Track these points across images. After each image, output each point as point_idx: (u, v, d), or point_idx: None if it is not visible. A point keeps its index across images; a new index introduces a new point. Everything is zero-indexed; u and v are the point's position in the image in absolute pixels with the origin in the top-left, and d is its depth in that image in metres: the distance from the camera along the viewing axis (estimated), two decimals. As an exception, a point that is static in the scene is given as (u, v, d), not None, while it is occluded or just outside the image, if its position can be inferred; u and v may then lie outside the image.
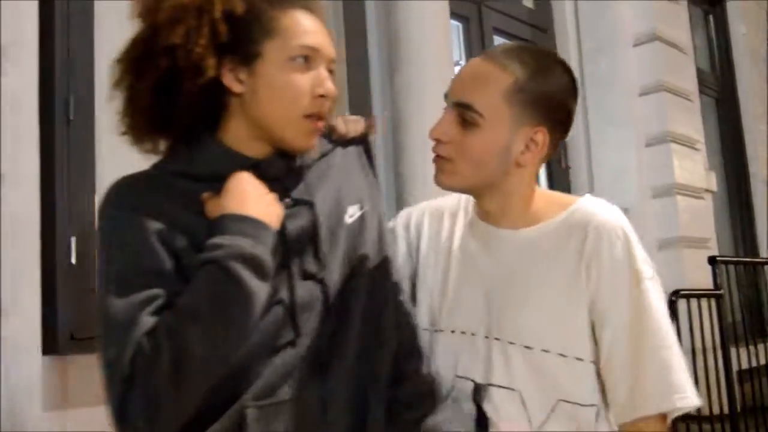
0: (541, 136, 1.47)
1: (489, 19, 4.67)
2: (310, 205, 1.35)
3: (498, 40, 4.80)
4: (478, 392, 1.46)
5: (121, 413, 1.17)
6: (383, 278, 1.45)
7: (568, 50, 5.17)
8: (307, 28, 1.32)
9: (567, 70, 1.53)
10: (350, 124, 1.50)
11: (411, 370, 1.47)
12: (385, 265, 1.46)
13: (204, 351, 1.17)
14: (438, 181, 1.51)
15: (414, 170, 3.62)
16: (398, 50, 3.78)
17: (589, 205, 1.52)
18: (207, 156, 1.34)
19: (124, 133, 1.34)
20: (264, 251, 1.22)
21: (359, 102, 3.67)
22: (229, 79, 1.30)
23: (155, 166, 1.36)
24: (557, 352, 1.44)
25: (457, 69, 4.31)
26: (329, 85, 1.32)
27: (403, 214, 1.68)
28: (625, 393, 1.43)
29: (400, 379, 1.44)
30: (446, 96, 1.50)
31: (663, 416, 1.44)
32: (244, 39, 1.29)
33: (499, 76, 1.45)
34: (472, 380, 1.47)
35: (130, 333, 1.16)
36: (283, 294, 1.29)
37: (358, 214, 1.41)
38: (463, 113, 1.45)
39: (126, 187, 1.31)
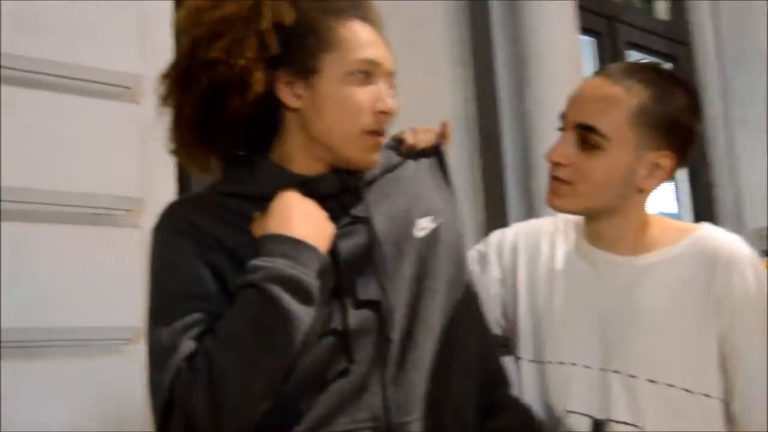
0: (668, 161, 1.43)
1: (622, 34, 4.50)
2: (366, 222, 1.27)
3: (634, 56, 4.62)
4: (598, 428, 1.42)
5: None
6: (462, 299, 1.36)
7: (707, 62, 4.92)
8: (366, 41, 1.26)
9: (690, 89, 1.49)
10: (420, 135, 1.43)
11: (504, 399, 1.41)
12: (463, 284, 1.38)
13: (241, 377, 1.12)
14: (553, 204, 1.47)
15: (544, 182, 3.54)
16: (527, 69, 3.69)
17: (713, 234, 1.48)
18: (257, 174, 1.29)
19: (173, 151, 1.31)
20: (305, 273, 1.15)
21: (488, 121, 3.62)
22: (285, 94, 1.25)
23: (209, 188, 1.33)
24: (683, 387, 1.39)
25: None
26: (390, 101, 1.26)
27: (495, 236, 1.62)
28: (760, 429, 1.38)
29: (492, 410, 1.37)
30: (563, 116, 1.46)
31: None
32: (299, 51, 1.23)
33: (624, 98, 1.40)
34: (589, 416, 1.42)
35: (171, 358, 1.14)
36: (336, 320, 1.22)
37: (431, 227, 1.33)
38: (586, 135, 1.41)
39: (176, 210, 1.30)
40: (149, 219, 2.26)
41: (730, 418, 1.41)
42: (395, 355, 1.26)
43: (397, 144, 1.41)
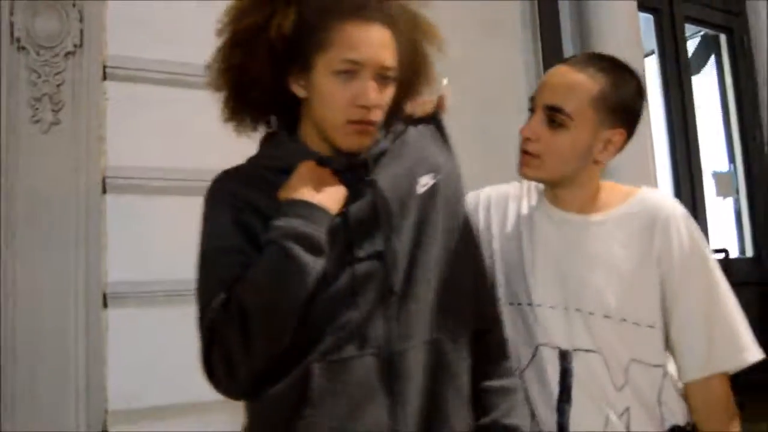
0: (619, 137, 1.57)
1: (680, 9, 4.46)
2: (372, 184, 1.39)
3: (690, 29, 4.61)
4: (565, 357, 1.56)
5: (207, 369, 1.31)
6: (458, 245, 1.47)
7: (764, 31, 4.80)
8: (354, 41, 1.33)
9: (635, 76, 1.60)
10: (417, 106, 1.53)
11: (491, 338, 1.53)
12: (459, 232, 1.49)
13: (264, 316, 1.26)
14: (523, 173, 1.59)
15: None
16: (590, 44, 3.71)
17: (652, 196, 1.60)
18: (283, 151, 1.43)
19: (226, 121, 1.46)
20: (316, 229, 1.29)
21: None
22: (294, 85, 1.38)
23: (248, 160, 1.47)
24: (633, 321, 1.53)
25: (646, 60, 4.20)
26: (371, 96, 1.34)
27: (469, 197, 1.69)
28: (699, 355, 1.53)
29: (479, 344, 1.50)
30: (532, 99, 1.59)
31: (725, 375, 1.55)
32: (302, 51, 1.35)
33: (587, 84, 1.54)
34: (557, 347, 1.57)
35: (210, 303, 1.29)
36: (346, 269, 1.34)
37: (430, 183, 1.44)
38: (553, 115, 1.54)
39: (220, 180, 1.43)
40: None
41: (668, 343, 1.56)
42: (398, 295, 1.38)
43: (400, 114, 1.53)
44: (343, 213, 1.36)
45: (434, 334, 1.41)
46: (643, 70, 3.74)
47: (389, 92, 1.39)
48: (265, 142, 1.49)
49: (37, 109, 2.36)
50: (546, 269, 1.61)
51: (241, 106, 1.44)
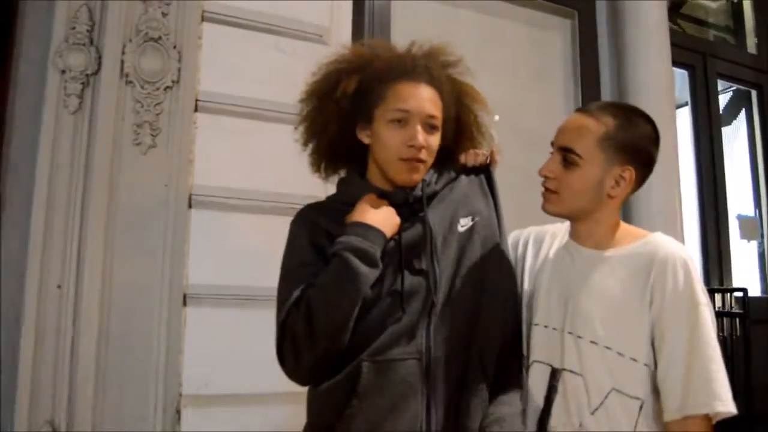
0: (629, 174, 1.59)
1: (713, 66, 4.49)
2: (423, 220, 1.56)
3: (723, 84, 4.62)
4: (554, 375, 1.59)
5: (280, 358, 1.47)
6: (493, 275, 1.59)
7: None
8: (404, 96, 1.54)
9: (649, 121, 1.62)
10: (470, 157, 1.71)
11: (510, 368, 1.60)
12: (497, 258, 1.62)
13: (327, 312, 1.42)
14: (545, 209, 1.65)
15: (638, 199, 3.61)
16: (627, 93, 3.76)
17: (659, 239, 1.61)
18: (352, 188, 1.62)
19: (313, 173, 1.71)
20: (371, 246, 1.47)
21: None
22: (361, 134, 1.59)
23: (327, 197, 1.68)
24: (617, 350, 1.53)
25: (677, 112, 4.24)
26: (419, 138, 1.53)
27: (514, 234, 1.82)
28: (677, 396, 1.48)
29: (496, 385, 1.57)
30: (552, 143, 1.64)
31: (707, 419, 1.48)
32: (364, 107, 1.56)
33: (594, 126, 1.58)
34: (550, 365, 1.60)
35: (286, 303, 1.46)
36: (398, 285, 1.50)
37: (469, 224, 1.60)
38: (566, 155, 1.59)
39: (304, 211, 1.64)
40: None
41: (651, 378, 1.53)
42: (438, 310, 1.51)
43: (455, 163, 1.70)
44: (397, 237, 1.53)
45: (466, 349, 1.52)
46: (675, 120, 3.80)
47: (435, 137, 1.57)
48: (340, 183, 1.69)
49: (138, 133, 2.50)
50: (552, 294, 1.65)
51: (322, 157, 1.65)
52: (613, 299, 1.56)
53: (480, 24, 3.65)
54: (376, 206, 1.54)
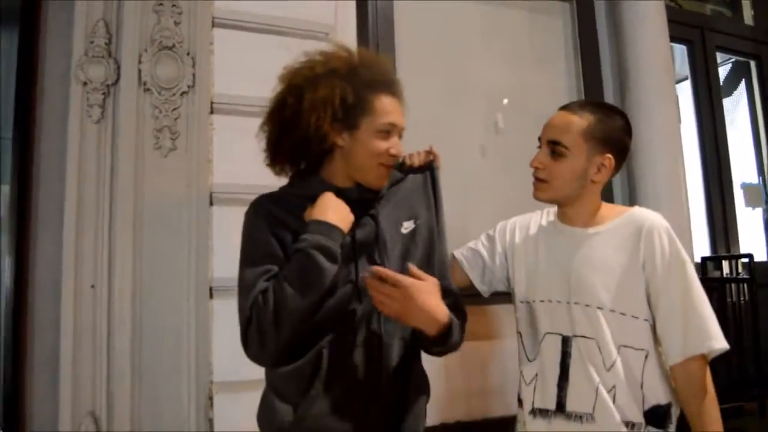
0: (608, 161, 1.74)
1: (712, 39, 4.43)
2: (374, 219, 1.63)
3: (721, 57, 4.57)
4: (566, 342, 1.70)
5: (245, 343, 1.52)
6: (430, 269, 1.66)
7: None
8: (390, 110, 1.61)
9: (623, 116, 1.79)
10: (414, 157, 1.79)
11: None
12: (431, 260, 1.70)
13: (293, 303, 1.47)
14: (536, 197, 1.78)
15: (643, 172, 3.60)
16: (627, 74, 3.73)
17: (641, 212, 1.75)
18: (311, 183, 1.65)
19: (267, 165, 1.69)
20: (333, 244, 1.52)
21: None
22: (336, 138, 1.61)
23: (281, 189, 1.70)
24: (620, 312, 1.67)
25: (678, 86, 4.20)
26: (399, 148, 1.62)
27: (500, 225, 1.95)
28: (677, 342, 1.65)
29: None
30: (539, 138, 1.77)
31: (704, 358, 1.65)
32: (349, 114, 1.58)
33: (577, 121, 1.73)
34: (560, 334, 1.72)
35: (252, 290, 1.51)
36: (352, 276, 1.57)
37: (411, 227, 1.69)
38: (554, 148, 1.73)
39: (260, 202, 1.66)
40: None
41: (656, 336, 1.68)
42: None
43: (401, 165, 1.77)
44: (352, 235, 1.60)
45: (406, 334, 1.63)
46: (675, 95, 3.77)
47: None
48: (296, 177, 1.71)
49: (158, 138, 2.53)
50: (552, 271, 1.77)
51: (290, 155, 1.67)
52: (610, 267, 1.69)
53: (482, 15, 3.63)
54: (334, 204, 1.59)
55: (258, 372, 2.48)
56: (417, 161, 1.80)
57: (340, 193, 1.62)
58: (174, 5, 2.61)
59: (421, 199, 1.77)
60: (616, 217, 1.77)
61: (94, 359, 2.38)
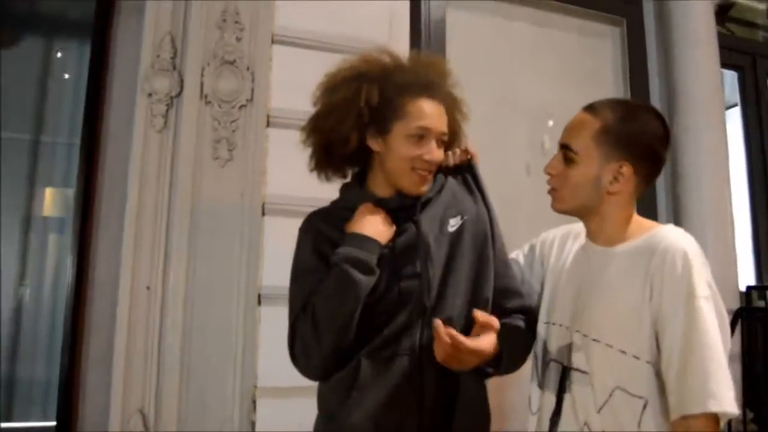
0: (626, 169, 1.47)
1: (763, 66, 4.30)
2: (416, 224, 1.55)
3: (773, 83, 4.42)
4: (564, 373, 1.50)
5: (292, 356, 1.52)
6: (483, 269, 1.58)
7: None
8: (424, 114, 1.52)
9: (657, 116, 1.50)
10: (450, 157, 1.67)
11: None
12: (484, 254, 1.59)
13: (330, 317, 1.45)
14: (552, 207, 1.58)
15: (689, 193, 3.50)
16: (676, 99, 3.63)
17: (663, 231, 1.47)
18: (353, 195, 1.61)
19: (312, 171, 1.66)
20: (367, 255, 1.47)
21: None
22: (371, 142, 1.56)
23: (332, 203, 1.67)
24: (618, 348, 1.41)
25: (728, 113, 4.08)
26: (435, 154, 1.54)
27: (543, 234, 1.75)
28: (674, 394, 1.34)
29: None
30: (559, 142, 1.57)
31: (710, 418, 1.31)
32: (381, 118, 1.52)
33: (591, 122, 1.50)
34: (560, 362, 1.52)
35: (296, 305, 1.50)
36: (393, 287, 1.51)
37: (459, 224, 1.58)
38: (565, 152, 1.52)
39: (309, 219, 1.64)
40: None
41: (657, 376, 1.38)
42: (430, 308, 1.52)
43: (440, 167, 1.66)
44: (392, 244, 1.54)
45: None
46: (724, 121, 3.65)
47: (442, 151, 1.59)
48: (342, 189, 1.69)
49: (216, 148, 2.55)
50: (566, 293, 1.56)
51: (327, 160, 1.63)
52: (615, 295, 1.44)
53: (532, 35, 3.59)
54: (372, 215, 1.55)
55: (300, 381, 2.49)
56: (452, 161, 1.70)
57: (379, 202, 1.58)
58: (236, 21, 2.64)
59: (466, 195, 1.66)
60: (640, 236, 1.48)
61: (146, 358, 2.41)
